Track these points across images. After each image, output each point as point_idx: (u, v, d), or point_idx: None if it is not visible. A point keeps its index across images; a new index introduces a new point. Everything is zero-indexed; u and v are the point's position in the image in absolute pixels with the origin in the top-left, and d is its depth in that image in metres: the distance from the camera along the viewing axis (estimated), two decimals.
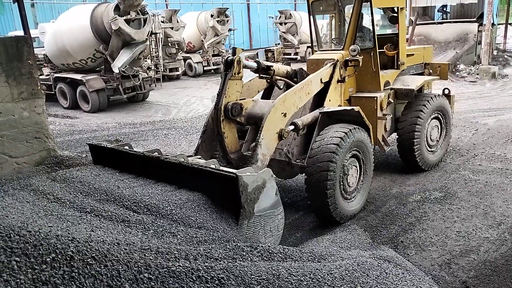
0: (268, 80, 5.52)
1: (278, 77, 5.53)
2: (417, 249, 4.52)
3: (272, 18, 26.67)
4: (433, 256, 4.38)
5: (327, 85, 5.56)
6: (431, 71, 7.43)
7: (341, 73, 5.75)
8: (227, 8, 21.85)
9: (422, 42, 18.22)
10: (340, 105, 5.79)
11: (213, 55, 21.68)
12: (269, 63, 5.39)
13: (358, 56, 5.61)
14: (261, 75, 5.39)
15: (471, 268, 4.12)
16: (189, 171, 3.91)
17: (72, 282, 2.01)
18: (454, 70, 16.98)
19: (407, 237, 4.77)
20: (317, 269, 2.82)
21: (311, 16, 6.57)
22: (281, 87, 5.69)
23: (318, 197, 4.81)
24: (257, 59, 5.44)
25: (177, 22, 19.32)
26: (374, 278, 2.96)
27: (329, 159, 4.71)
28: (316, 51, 6.59)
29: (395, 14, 6.60)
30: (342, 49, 5.95)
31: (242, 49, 5.28)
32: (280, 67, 5.61)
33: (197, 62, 20.94)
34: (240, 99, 4.83)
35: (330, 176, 4.70)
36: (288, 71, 5.67)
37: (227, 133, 4.69)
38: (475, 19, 18.67)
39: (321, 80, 5.48)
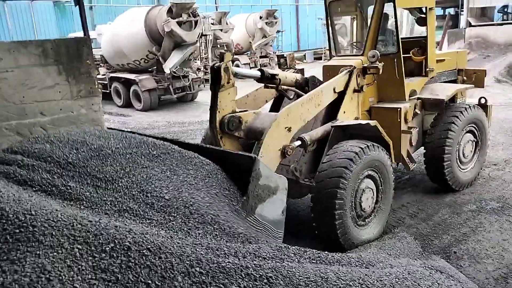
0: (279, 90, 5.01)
1: (286, 87, 5.01)
2: (471, 261, 4.32)
3: (321, 19, 26.43)
4: (489, 269, 4.17)
5: (341, 95, 5.00)
6: (465, 78, 6.60)
7: (358, 81, 5.14)
8: (276, 10, 21.97)
9: (479, 44, 17.41)
10: (357, 117, 5.22)
11: (261, 57, 21.88)
12: (274, 71, 4.94)
13: (377, 62, 4.99)
14: (266, 85, 4.92)
15: None
16: (205, 153, 3.61)
17: (129, 271, 2.10)
18: None
19: (461, 248, 4.57)
20: (366, 274, 2.77)
21: (329, 18, 5.97)
22: (291, 96, 5.09)
23: (324, 218, 4.25)
24: (260, 67, 5.19)
25: (226, 24, 19.69)
26: None
27: (340, 175, 4.16)
28: (334, 56, 5.99)
29: (423, 15, 5.86)
30: (362, 55, 5.34)
31: (232, 54, 4.98)
32: (288, 75, 5.13)
33: (244, 64, 21.23)
34: (241, 111, 4.35)
35: (340, 195, 4.13)
36: (297, 79, 5.16)
37: (229, 148, 4.23)
38: None
39: (334, 89, 4.92)
